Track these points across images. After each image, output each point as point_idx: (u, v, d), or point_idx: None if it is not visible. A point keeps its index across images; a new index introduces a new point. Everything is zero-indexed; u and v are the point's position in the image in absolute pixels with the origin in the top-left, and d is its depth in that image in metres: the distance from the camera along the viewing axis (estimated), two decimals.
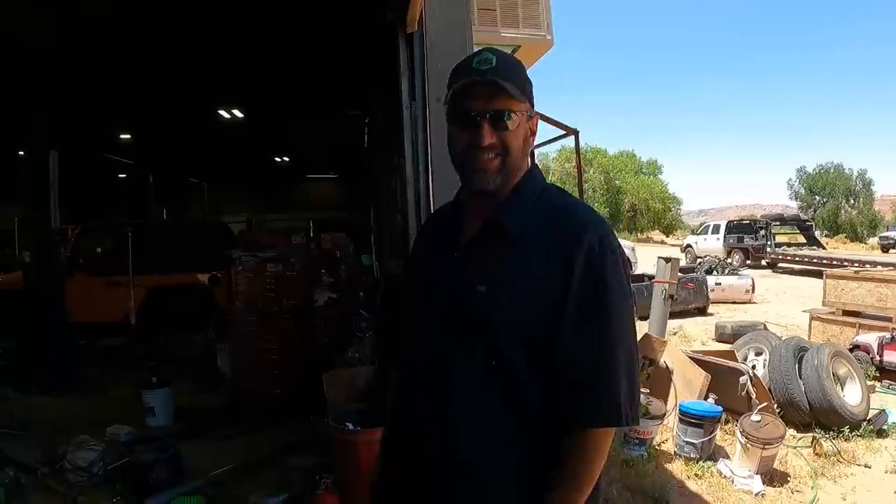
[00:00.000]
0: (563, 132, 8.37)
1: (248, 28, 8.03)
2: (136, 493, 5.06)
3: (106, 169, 20.25)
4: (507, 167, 1.69)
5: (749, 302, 17.14)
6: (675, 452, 5.93)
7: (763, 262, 27.72)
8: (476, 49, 4.10)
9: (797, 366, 6.68)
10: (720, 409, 5.94)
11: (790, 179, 62.72)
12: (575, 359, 1.59)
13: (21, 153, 11.86)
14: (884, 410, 6.74)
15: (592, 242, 1.61)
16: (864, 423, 6.40)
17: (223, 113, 13.77)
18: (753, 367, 7.18)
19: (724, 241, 29.68)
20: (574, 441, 1.61)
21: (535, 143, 1.86)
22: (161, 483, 5.09)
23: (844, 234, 51.51)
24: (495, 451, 1.63)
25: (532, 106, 1.74)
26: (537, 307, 1.59)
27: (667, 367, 6.70)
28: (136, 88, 11.00)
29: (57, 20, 7.64)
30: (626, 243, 18.39)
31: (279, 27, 7.94)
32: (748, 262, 27.75)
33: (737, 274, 19.02)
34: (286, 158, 23.21)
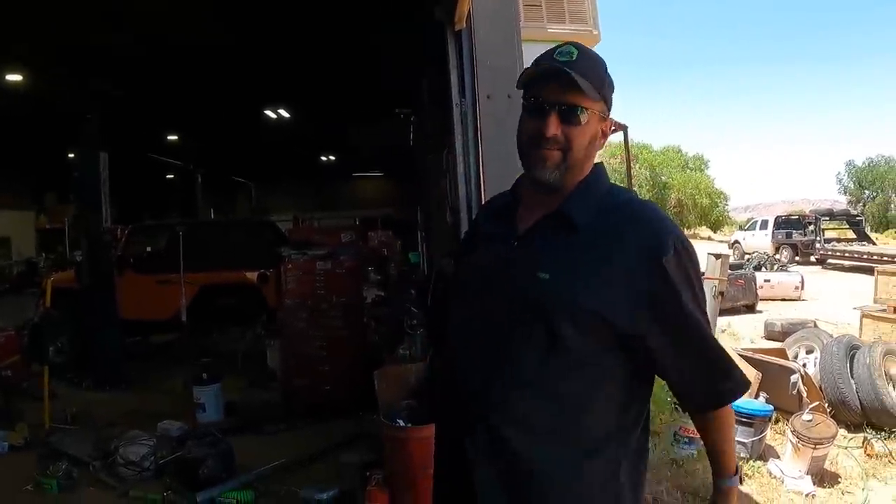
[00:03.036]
0: (613, 127, 8.32)
1: (297, 28, 8.11)
2: (187, 487, 5.13)
3: (155, 169, 20.57)
4: (567, 162, 1.68)
5: (798, 299, 16.86)
6: None
7: (812, 259, 27.24)
8: (523, 45, 4.13)
9: (849, 364, 6.56)
10: (771, 407, 5.88)
11: (839, 173, 61.50)
12: (689, 358, 1.69)
13: (71, 155, 12.13)
14: None
15: (678, 246, 1.62)
16: None
17: (270, 113, 13.90)
18: (804, 365, 7.09)
19: (773, 236, 29.18)
20: (708, 423, 1.81)
21: None
22: (212, 477, 5.16)
23: (894, 229, 50.50)
24: (547, 437, 1.63)
25: (608, 108, 1.73)
26: (609, 300, 1.59)
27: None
28: (186, 90, 11.17)
29: (112, 24, 7.80)
30: None
31: (327, 27, 8.01)
32: (797, 258, 27.32)
33: (786, 270, 18.79)
34: (333, 157, 23.34)
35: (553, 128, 1.64)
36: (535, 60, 1.74)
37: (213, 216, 23.52)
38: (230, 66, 9.76)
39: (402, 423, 4.38)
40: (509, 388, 1.64)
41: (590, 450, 1.63)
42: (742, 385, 1.76)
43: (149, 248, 12.21)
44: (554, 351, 1.60)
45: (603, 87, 1.69)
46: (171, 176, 23.34)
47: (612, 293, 1.59)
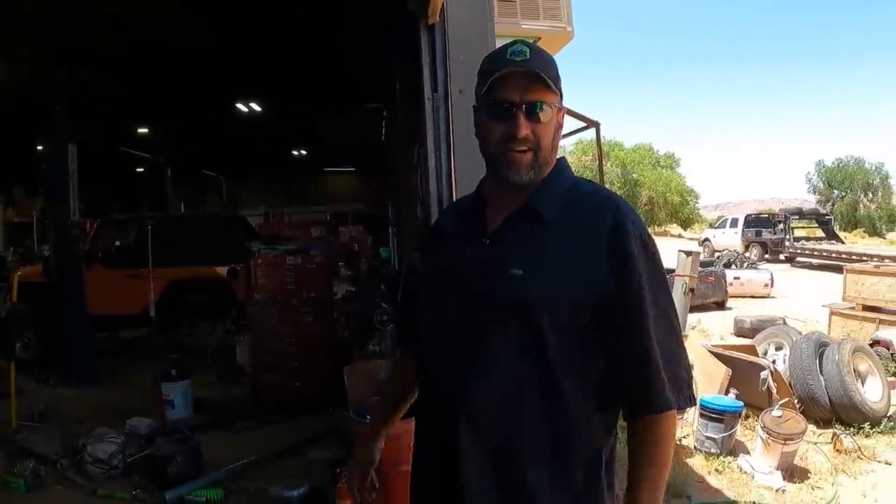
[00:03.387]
0: (584, 124, 8.33)
1: (268, 20, 8.04)
2: (156, 485, 5.08)
3: (124, 162, 20.31)
4: (538, 161, 1.69)
5: (768, 296, 17.05)
6: (695, 447, 5.91)
7: (781, 257, 27.59)
8: (496, 41, 4.10)
9: (818, 361, 6.63)
10: (741, 403, 5.92)
11: (808, 173, 62.27)
12: (640, 346, 1.61)
13: (40, 147, 11.96)
14: None
15: (637, 230, 1.64)
16: (885, 420, 6.35)
17: (241, 106, 13.78)
18: (774, 361, 7.15)
19: (743, 234, 29.51)
20: (648, 427, 1.64)
21: None
22: (181, 475, 5.12)
23: (863, 229, 51.14)
24: (528, 433, 1.62)
25: (561, 99, 1.74)
26: (580, 291, 1.60)
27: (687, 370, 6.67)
28: (155, 82, 11.04)
29: (79, 16, 7.69)
30: None
31: (299, 19, 7.94)
32: (766, 256, 27.64)
33: (755, 268, 18.99)
34: (304, 152, 23.21)
35: (524, 128, 1.65)
36: (489, 62, 1.75)
37: (183, 210, 23.34)
38: (202, 59, 9.66)
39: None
40: (488, 385, 1.63)
41: (570, 444, 1.64)
42: (684, 399, 1.66)
43: (118, 242, 12.05)
44: (530, 346, 1.61)
45: (558, 80, 1.71)
46: (141, 169, 23.08)
47: (582, 285, 1.60)
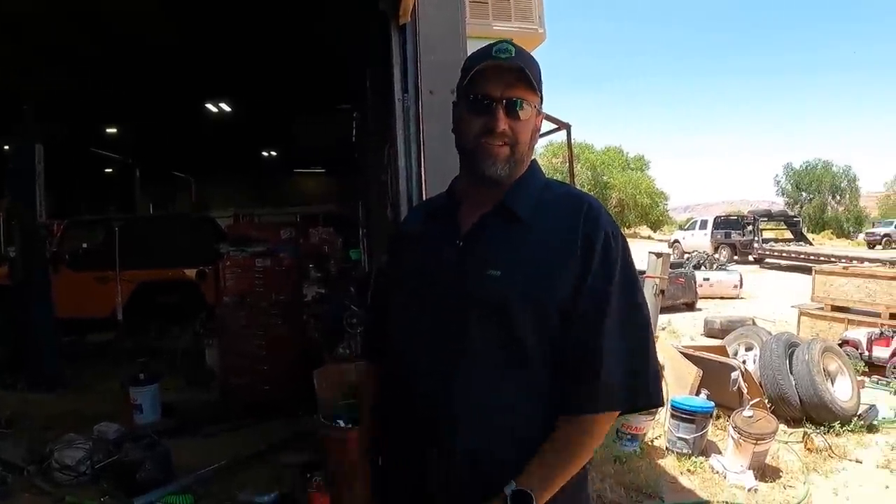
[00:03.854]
0: (555, 126, 8.33)
1: (239, 20, 7.97)
2: (125, 491, 5.01)
3: (93, 163, 20.10)
4: (514, 157, 1.69)
5: (737, 297, 17.24)
6: (667, 448, 5.92)
7: (750, 258, 27.89)
8: (468, 42, 4.08)
9: (788, 361, 6.69)
10: (712, 404, 5.95)
11: (777, 176, 63.10)
12: (588, 339, 1.60)
13: (6, 146, 11.77)
14: (874, 405, 6.77)
15: (610, 229, 1.66)
16: (855, 419, 6.42)
17: (211, 107, 13.68)
18: (744, 362, 7.19)
19: (712, 236, 29.78)
20: (578, 424, 1.62)
21: None
22: (149, 481, 5.04)
23: (830, 231, 51.80)
24: (512, 432, 1.62)
25: (542, 102, 1.75)
26: (555, 289, 1.61)
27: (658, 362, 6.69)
28: (124, 82, 10.92)
29: (47, 11, 7.58)
30: None
31: (269, 20, 7.88)
32: (735, 257, 27.93)
33: (724, 269, 19.14)
34: (274, 153, 23.09)
35: (503, 123, 1.65)
36: (473, 58, 1.74)
37: (151, 211, 23.12)
38: (173, 58, 9.56)
39: (342, 423, 4.32)
40: (468, 386, 1.62)
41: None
42: (648, 397, 1.66)
43: (85, 244, 11.91)
44: (509, 346, 1.61)
45: (540, 82, 1.72)
46: (110, 170, 22.83)
47: (559, 284, 1.61)
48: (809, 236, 36.47)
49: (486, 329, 1.61)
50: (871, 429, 6.44)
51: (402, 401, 1.76)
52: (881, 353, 8.36)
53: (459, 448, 1.61)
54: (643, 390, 1.65)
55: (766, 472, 5.48)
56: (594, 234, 1.62)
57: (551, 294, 1.60)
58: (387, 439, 1.85)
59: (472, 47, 2.09)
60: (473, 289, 1.63)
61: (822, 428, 6.27)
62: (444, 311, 1.67)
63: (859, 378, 7.41)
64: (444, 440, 1.62)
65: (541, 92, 1.72)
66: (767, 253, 27.13)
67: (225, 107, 13.83)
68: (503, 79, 1.66)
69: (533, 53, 1.80)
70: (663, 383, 6.45)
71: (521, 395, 1.62)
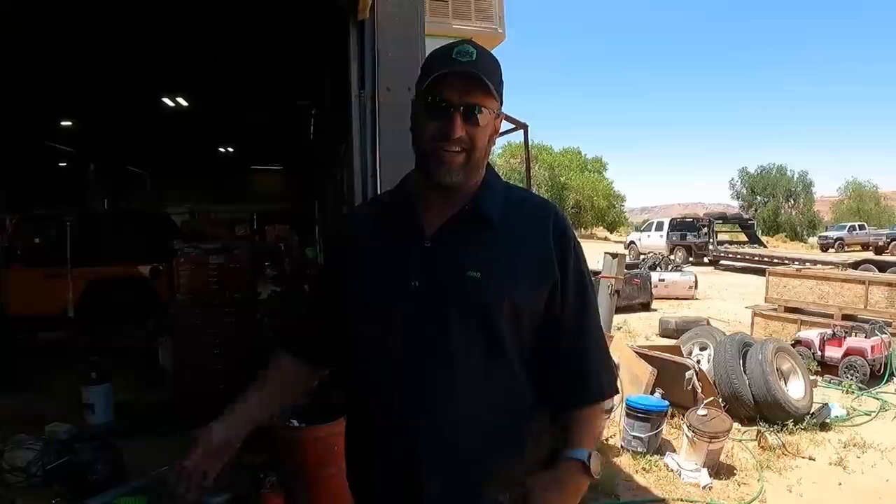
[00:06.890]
0: (513, 126, 8.32)
1: (195, 12, 7.86)
2: (77, 493, 4.90)
3: (46, 157, 19.74)
4: (470, 163, 1.67)
5: (692, 298, 17.44)
6: (622, 447, 5.96)
7: (705, 259, 28.28)
8: (427, 40, 4.07)
9: (742, 361, 6.79)
10: (666, 403, 6.01)
11: (732, 179, 64.09)
12: (576, 342, 1.71)
13: None
14: (826, 404, 6.89)
15: (573, 235, 1.75)
16: (808, 417, 6.54)
17: (167, 101, 13.49)
18: (698, 361, 7.28)
19: (668, 238, 30.10)
20: (581, 414, 1.70)
21: None
22: (102, 483, 4.94)
23: (784, 234, 52.68)
24: (498, 435, 1.63)
25: (501, 105, 1.72)
26: (533, 293, 1.66)
27: (613, 361, 6.73)
28: (78, 74, 10.72)
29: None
30: None
31: (228, 11, 7.78)
32: (691, 258, 28.31)
33: (680, 270, 19.34)
34: (231, 149, 22.87)
35: (459, 129, 1.62)
36: (434, 59, 1.70)
37: (106, 207, 22.79)
38: (127, 49, 9.40)
39: (296, 423, 4.29)
40: (450, 389, 1.60)
41: (532, 444, 1.68)
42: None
43: (37, 240, 11.69)
44: (492, 348, 1.62)
45: (500, 86, 1.70)
46: (64, 164, 22.47)
47: (537, 285, 1.66)
48: (763, 239, 37.06)
49: (468, 332, 1.61)
50: (824, 427, 6.57)
51: (373, 403, 1.72)
52: (833, 353, 8.51)
53: (442, 450, 1.60)
54: (613, 379, 1.79)
55: (720, 469, 5.55)
56: (565, 244, 1.70)
57: (530, 297, 1.65)
58: (356, 439, 1.83)
59: (431, 46, 2.06)
60: (453, 291, 1.62)
61: (776, 426, 6.38)
62: (420, 318, 1.64)
63: (812, 377, 7.54)
64: (426, 439, 1.60)
65: (501, 95, 1.70)
66: (722, 255, 27.50)
67: (182, 101, 13.63)
68: (462, 84, 1.61)
69: (493, 53, 1.77)
70: (618, 382, 6.51)
71: (503, 396, 1.65)
